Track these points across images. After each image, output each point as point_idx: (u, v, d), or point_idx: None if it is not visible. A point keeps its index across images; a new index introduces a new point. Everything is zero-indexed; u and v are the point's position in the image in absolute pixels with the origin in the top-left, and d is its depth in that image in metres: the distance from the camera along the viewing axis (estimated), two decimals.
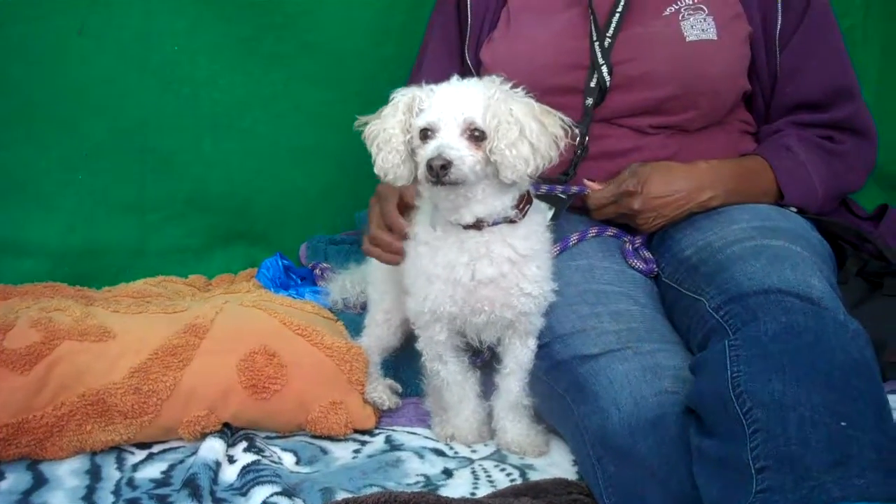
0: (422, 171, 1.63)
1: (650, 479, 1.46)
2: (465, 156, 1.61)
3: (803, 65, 2.03)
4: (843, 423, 1.27)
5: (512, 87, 1.70)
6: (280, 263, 2.44)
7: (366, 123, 1.74)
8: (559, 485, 1.62)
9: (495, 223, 1.72)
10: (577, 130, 1.74)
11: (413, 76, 2.25)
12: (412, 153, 1.69)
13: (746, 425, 1.31)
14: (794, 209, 1.98)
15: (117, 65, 2.44)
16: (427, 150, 1.62)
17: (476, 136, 1.64)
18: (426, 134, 1.65)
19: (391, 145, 1.68)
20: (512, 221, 1.73)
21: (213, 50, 2.49)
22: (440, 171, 1.59)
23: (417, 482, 1.74)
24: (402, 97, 1.71)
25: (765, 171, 1.98)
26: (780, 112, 2.08)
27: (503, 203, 1.72)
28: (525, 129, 1.64)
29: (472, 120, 1.64)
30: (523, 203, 1.75)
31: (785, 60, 2.03)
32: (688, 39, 1.96)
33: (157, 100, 2.49)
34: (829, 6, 2.07)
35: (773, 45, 2.03)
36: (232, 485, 1.74)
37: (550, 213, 1.95)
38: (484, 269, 1.73)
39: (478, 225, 1.72)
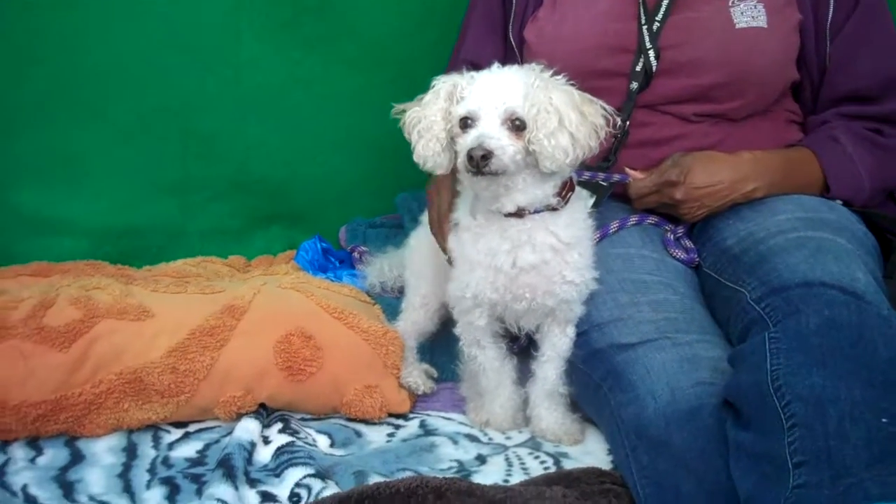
0: (462, 160, 1.61)
1: (684, 470, 1.43)
2: (505, 146, 1.60)
3: (854, 55, 1.97)
4: (884, 420, 1.25)
5: (553, 74, 1.68)
6: (319, 246, 2.44)
7: (403, 111, 1.72)
8: (592, 474, 1.60)
9: (537, 211, 1.71)
10: (618, 119, 1.72)
11: (454, 57, 2.23)
12: (452, 142, 1.68)
13: (785, 419, 1.29)
14: (840, 202, 1.93)
15: (160, 46, 2.44)
16: (467, 140, 1.61)
17: (517, 125, 1.63)
18: (466, 123, 1.64)
19: (431, 133, 1.66)
20: (554, 209, 1.71)
21: (255, 32, 2.48)
22: (480, 162, 1.58)
23: (451, 468, 1.74)
24: (443, 84, 1.70)
25: (811, 163, 1.93)
26: (828, 103, 2.02)
27: (544, 191, 1.71)
28: (564, 119, 1.62)
29: (513, 110, 1.62)
30: (566, 190, 1.73)
31: (835, 50, 1.98)
32: (738, 26, 1.91)
33: (199, 81, 2.49)
34: None
35: (824, 33, 1.97)
36: (266, 465, 1.75)
37: (592, 201, 1.93)
38: (526, 257, 1.72)
39: (519, 213, 1.70)
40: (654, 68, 1.92)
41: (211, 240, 2.60)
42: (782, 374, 1.34)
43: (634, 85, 1.94)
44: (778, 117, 2.03)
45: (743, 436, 1.35)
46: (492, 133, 1.60)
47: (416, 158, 1.70)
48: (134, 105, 2.48)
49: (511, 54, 2.14)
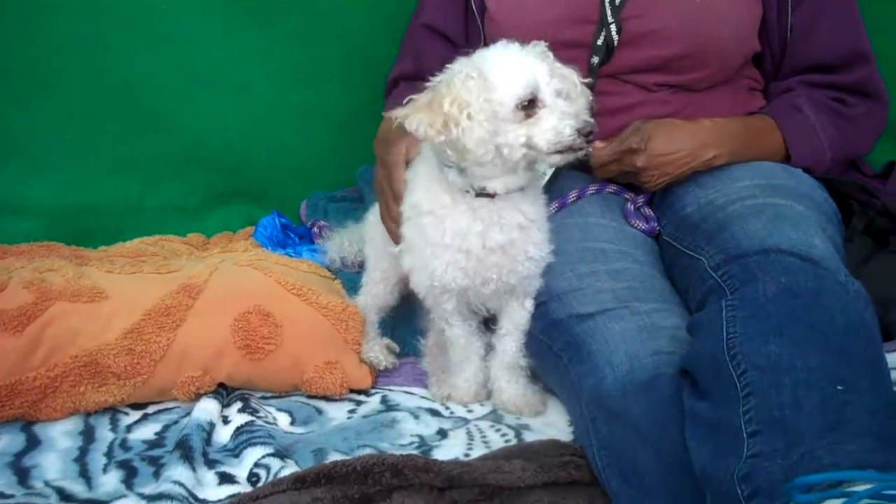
0: (555, 139, 1.56)
1: (642, 441, 1.43)
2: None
3: (816, 25, 1.97)
4: (839, 387, 1.24)
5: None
6: (277, 222, 2.41)
7: (405, 115, 1.59)
8: (552, 446, 1.59)
9: (514, 190, 1.69)
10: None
11: (412, 23, 2.20)
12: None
13: (740, 388, 1.29)
14: (801, 169, 1.92)
15: (110, 22, 2.39)
16: (557, 120, 1.56)
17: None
18: (526, 105, 1.57)
19: (483, 115, 1.55)
20: (521, 188, 1.70)
21: (206, 5, 2.44)
22: (588, 137, 1.56)
23: (412, 443, 1.73)
24: (470, 68, 1.58)
25: (772, 131, 1.92)
26: (791, 72, 2.02)
27: (533, 171, 1.71)
28: (587, 95, 1.66)
29: (560, 87, 1.61)
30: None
31: (797, 20, 1.96)
32: None
33: (150, 57, 2.44)
34: None
35: (786, 4, 1.96)
36: (225, 446, 1.73)
37: (550, 172, 1.92)
38: (494, 237, 1.69)
39: (491, 193, 1.68)
40: (615, 42, 1.90)
41: (169, 217, 2.55)
42: (738, 342, 1.34)
43: (595, 59, 1.92)
44: (739, 85, 2.03)
45: (699, 405, 1.34)
46: (581, 110, 1.60)
47: (472, 145, 1.54)
48: (86, 83, 2.43)
49: (472, 20, 2.11)
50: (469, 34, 2.10)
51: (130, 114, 2.48)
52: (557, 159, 1.60)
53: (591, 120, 1.57)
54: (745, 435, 1.24)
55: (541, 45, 1.64)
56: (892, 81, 2.08)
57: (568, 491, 1.52)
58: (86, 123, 2.47)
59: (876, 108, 2.02)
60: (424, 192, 1.73)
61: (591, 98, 1.68)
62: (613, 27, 1.89)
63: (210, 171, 2.58)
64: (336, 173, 2.65)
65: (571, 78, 1.64)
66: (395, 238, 1.83)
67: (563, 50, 1.88)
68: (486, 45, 1.74)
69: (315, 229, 2.40)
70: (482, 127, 1.53)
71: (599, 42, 1.91)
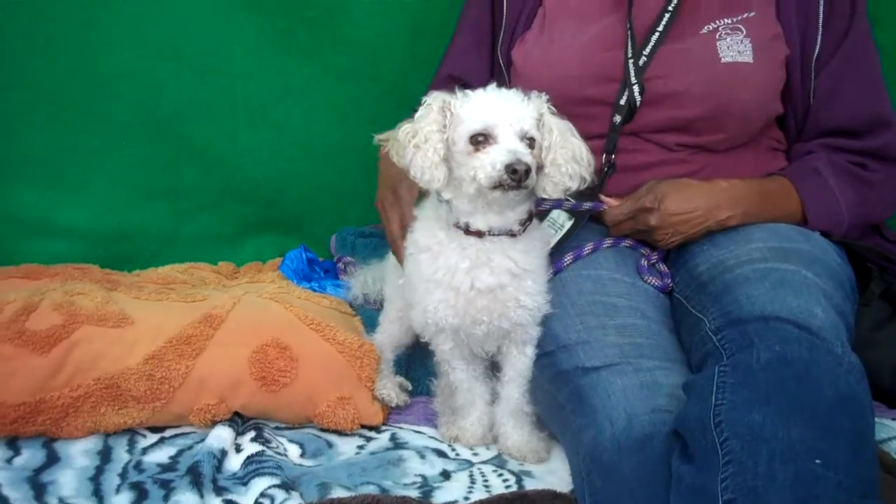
0: (490, 173, 1.60)
1: (631, 497, 1.45)
2: (532, 162, 1.62)
3: (838, 90, 1.98)
4: (817, 461, 1.25)
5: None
6: (304, 256, 2.47)
7: (386, 139, 1.72)
8: (547, 496, 1.62)
9: (498, 234, 1.73)
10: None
11: (440, 69, 2.26)
12: (448, 156, 1.68)
13: (721, 455, 1.30)
14: (818, 233, 1.93)
15: (157, 55, 2.49)
16: (496, 155, 1.60)
17: (528, 145, 1.66)
18: (478, 139, 1.64)
19: (429, 145, 1.65)
20: (512, 235, 1.74)
21: (249, 43, 2.53)
22: (523, 176, 1.59)
23: (414, 483, 1.76)
24: (434, 100, 1.71)
25: (789, 194, 1.94)
26: (813, 135, 2.03)
27: (516, 215, 1.74)
28: (576, 149, 1.69)
29: (528, 130, 1.65)
30: (525, 218, 1.76)
31: (820, 85, 1.98)
32: (723, 61, 1.92)
33: (192, 91, 2.54)
34: (869, 32, 2.02)
35: (810, 68, 1.98)
36: (235, 474, 1.78)
37: (569, 225, 1.96)
38: (484, 279, 1.74)
39: (479, 233, 1.73)
40: (637, 102, 1.93)
41: (203, 245, 2.64)
42: (725, 409, 1.35)
43: (617, 118, 1.96)
44: (760, 146, 2.05)
45: (683, 468, 1.36)
46: (522, 149, 1.62)
47: (413, 172, 1.66)
48: (130, 112, 2.53)
49: (497, 72, 2.16)
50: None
51: (173, 144, 2.58)
52: (497, 195, 1.64)
53: (525, 159, 1.59)
54: (721, 502, 1.25)
55: (542, 98, 1.70)
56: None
57: None
58: (130, 151, 2.57)
59: None
60: (424, 230, 1.79)
61: (588, 159, 1.71)
62: (636, 87, 1.93)
63: (245, 203, 2.67)
64: (366, 209, 2.67)
65: (560, 128, 1.68)
66: (399, 254, 1.90)
67: (586, 106, 1.94)
68: None
69: (340, 265, 2.46)
70: (426, 155, 1.63)
71: (622, 102, 1.95)
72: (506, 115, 1.64)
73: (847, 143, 2.00)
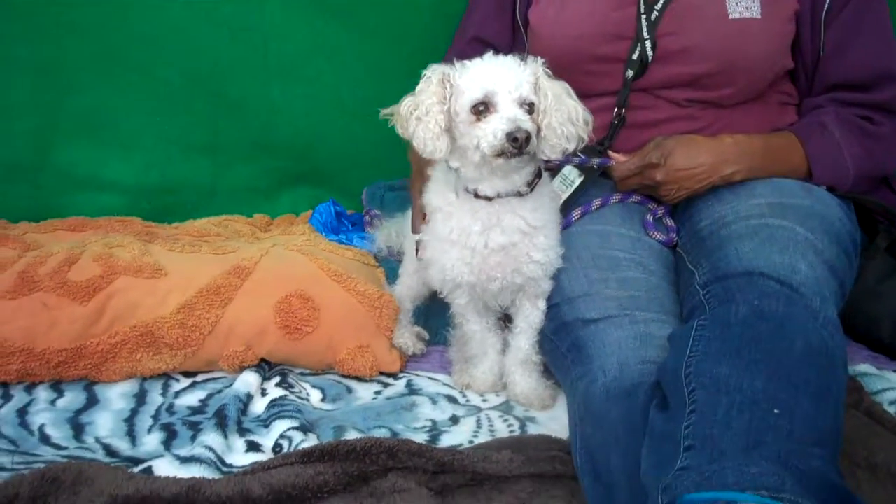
0: (497, 141, 1.66)
1: (615, 444, 1.52)
2: (532, 128, 1.69)
3: (847, 44, 1.99)
4: (776, 411, 1.31)
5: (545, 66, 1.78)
6: (332, 209, 2.57)
7: (391, 113, 1.79)
8: (542, 441, 1.72)
9: (506, 196, 1.80)
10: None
11: (459, 32, 2.32)
12: (451, 127, 1.75)
13: (688, 405, 1.37)
14: (824, 187, 1.96)
15: (190, 14, 2.59)
16: (496, 123, 1.67)
17: (527, 111, 1.71)
18: (479, 108, 1.70)
19: (430, 116, 1.72)
20: (520, 194, 1.81)
21: (281, 2, 2.61)
22: (524, 143, 1.66)
23: (424, 427, 1.88)
24: (434, 73, 1.77)
25: (794, 149, 1.97)
26: (822, 89, 2.05)
27: (522, 177, 1.80)
28: (571, 111, 1.74)
29: (526, 95, 1.71)
30: (533, 177, 1.82)
31: (829, 39, 2.00)
32: (731, 17, 1.94)
33: (228, 48, 2.63)
34: None
35: (820, 22, 1.99)
36: (259, 416, 1.90)
37: (579, 181, 2.02)
38: (496, 238, 1.82)
39: (488, 196, 1.80)
40: (649, 58, 1.97)
41: (240, 198, 2.77)
42: (696, 360, 1.42)
43: (630, 73, 2.00)
44: (771, 100, 2.07)
45: (657, 417, 1.43)
46: (521, 116, 1.68)
47: (416, 143, 1.74)
48: (168, 71, 2.64)
49: (518, 33, 2.21)
50: (515, 45, 2.20)
51: (211, 100, 2.69)
52: (500, 162, 1.71)
53: (524, 126, 1.65)
54: (681, 449, 1.32)
55: (538, 62, 1.75)
56: None
57: (553, 483, 1.64)
58: (172, 107, 2.69)
59: None
60: (437, 192, 1.88)
61: (584, 119, 1.76)
62: (648, 43, 1.97)
63: (280, 157, 2.78)
64: (397, 162, 2.74)
65: (554, 91, 1.73)
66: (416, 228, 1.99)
67: (600, 64, 1.99)
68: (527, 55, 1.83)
69: (367, 217, 2.56)
70: (428, 127, 1.69)
71: (635, 57, 1.99)
72: (504, 83, 1.69)
73: (855, 97, 2.01)
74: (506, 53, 2.18)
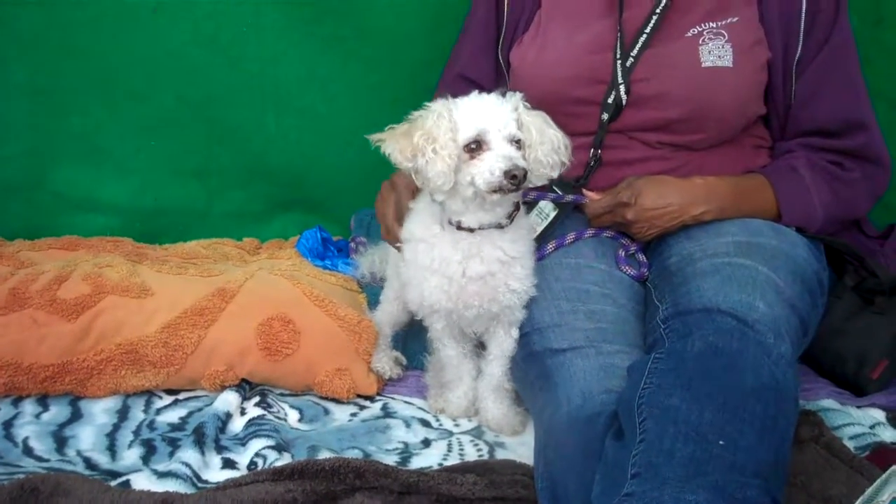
0: (489, 179, 1.72)
1: (573, 470, 1.57)
2: (527, 165, 1.76)
3: (818, 93, 2.05)
4: (721, 442, 1.36)
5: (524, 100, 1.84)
6: (319, 235, 2.63)
7: (382, 140, 1.81)
8: (507, 465, 1.77)
9: (488, 227, 1.86)
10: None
11: (447, 70, 2.38)
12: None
13: (638, 434, 1.42)
14: (795, 228, 2.01)
15: (188, 41, 2.66)
16: (494, 161, 1.72)
17: (516, 148, 1.78)
18: (471, 146, 1.75)
19: (447, 151, 1.74)
20: (500, 227, 1.87)
21: (278, 31, 2.68)
22: (521, 180, 1.72)
23: (396, 449, 1.93)
24: (443, 108, 1.79)
25: (764, 190, 2.02)
26: (794, 134, 2.11)
27: (504, 210, 1.86)
28: (554, 141, 1.80)
29: (514, 133, 1.77)
30: (512, 210, 1.88)
31: (801, 87, 2.06)
32: (703, 65, 2.00)
33: (224, 76, 2.70)
34: (851, 38, 2.07)
35: (791, 71, 2.05)
36: (237, 435, 1.96)
37: (553, 215, 2.08)
38: (475, 267, 1.88)
39: (470, 228, 1.86)
40: (623, 102, 2.04)
41: (231, 222, 2.84)
42: (649, 392, 1.48)
43: (605, 116, 2.06)
44: (744, 143, 2.13)
45: (611, 445, 1.49)
46: (514, 154, 1.75)
47: (432, 175, 1.74)
48: (165, 96, 2.71)
49: (500, 73, 2.28)
50: (499, 84, 2.27)
51: (206, 126, 2.76)
52: (496, 198, 1.77)
53: (521, 164, 1.72)
54: (629, 476, 1.37)
55: (517, 97, 1.81)
56: None
57: None
58: (167, 132, 2.76)
59: (875, 172, 2.09)
60: (419, 222, 1.93)
61: (564, 145, 1.82)
62: (622, 87, 2.03)
63: (271, 183, 2.84)
64: None
65: (536, 125, 1.79)
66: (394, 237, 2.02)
67: (577, 106, 2.06)
68: None
69: (352, 244, 2.62)
70: (444, 161, 1.73)
71: (610, 100, 2.05)
72: (494, 122, 1.76)
73: (825, 143, 2.07)
74: (489, 92, 2.28)
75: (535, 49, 2.16)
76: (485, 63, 2.30)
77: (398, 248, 2.03)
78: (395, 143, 1.80)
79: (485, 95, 1.83)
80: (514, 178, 1.71)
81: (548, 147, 1.80)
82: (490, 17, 2.30)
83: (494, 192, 1.75)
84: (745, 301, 1.64)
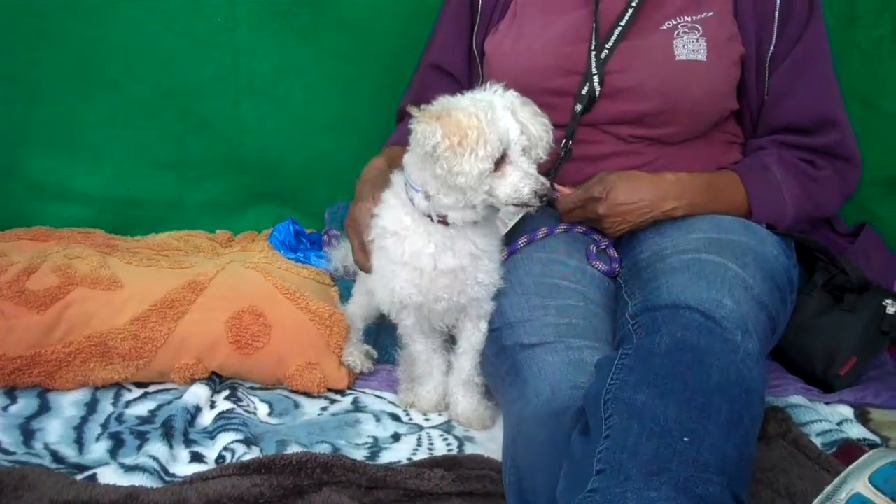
0: (512, 195, 1.72)
1: (540, 466, 1.57)
2: (546, 181, 1.76)
3: (791, 90, 2.06)
4: (685, 439, 1.36)
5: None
6: (291, 228, 2.61)
7: (420, 118, 1.72)
8: (475, 460, 1.77)
9: (465, 221, 1.85)
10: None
11: (423, 59, 2.38)
12: None
13: (604, 430, 1.42)
14: (764, 225, 2.02)
15: (163, 32, 2.64)
16: (519, 179, 1.72)
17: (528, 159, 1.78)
18: (498, 159, 1.72)
19: (490, 158, 1.69)
20: (474, 221, 1.86)
21: (252, 22, 2.66)
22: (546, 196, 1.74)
23: (366, 443, 1.93)
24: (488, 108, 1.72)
25: (735, 187, 2.03)
26: (766, 131, 2.12)
27: (487, 209, 1.85)
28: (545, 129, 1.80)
29: (526, 143, 1.76)
30: None
31: (773, 84, 2.07)
32: (677, 58, 2.01)
33: (199, 66, 2.69)
34: (824, 36, 2.09)
35: (764, 67, 2.06)
36: (206, 428, 1.95)
37: (524, 212, 2.08)
38: (447, 261, 1.87)
39: (444, 220, 1.85)
40: (597, 93, 2.04)
41: (205, 213, 2.82)
42: (615, 388, 1.48)
43: (578, 107, 2.06)
44: (716, 139, 2.14)
45: (577, 440, 1.48)
46: (533, 170, 1.75)
47: (470, 169, 1.67)
48: (139, 86, 2.69)
49: (473, 62, 2.28)
50: (471, 74, 2.27)
51: (176, 117, 2.74)
52: (511, 210, 1.77)
53: (548, 184, 1.74)
54: (593, 472, 1.38)
55: (512, 93, 1.79)
56: None
57: (482, 501, 1.69)
58: (142, 122, 2.74)
59: (847, 170, 2.11)
60: (390, 216, 1.91)
61: (549, 124, 1.82)
62: (596, 79, 2.03)
63: (246, 174, 2.83)
64: None
65: (539, 134, 1.78)
66: (366, 269, 2.00)
67: (550, 97, 2.05)
68: (483, 84, 1.86)
69: (325, 237, 2.61)
70: (484, 163, 1.68)
71: (584, 92, 2.05)
72: (512, 133, 1.73)
73: (797, 140, 2.08)
74: (462, 82, 2.27)
75: (511, 38, 2.16)
76: (457, 52, 2.30)
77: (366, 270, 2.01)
78: (435, 125, 1.68)
79: (480, 93, 1.80)
80: (543, 197, 1.73)
81: (546, 144, 1.80)
82: (463, 6, 2.30)
83: (514, 204, 1.75)
84: (713, 298, 1.64)
